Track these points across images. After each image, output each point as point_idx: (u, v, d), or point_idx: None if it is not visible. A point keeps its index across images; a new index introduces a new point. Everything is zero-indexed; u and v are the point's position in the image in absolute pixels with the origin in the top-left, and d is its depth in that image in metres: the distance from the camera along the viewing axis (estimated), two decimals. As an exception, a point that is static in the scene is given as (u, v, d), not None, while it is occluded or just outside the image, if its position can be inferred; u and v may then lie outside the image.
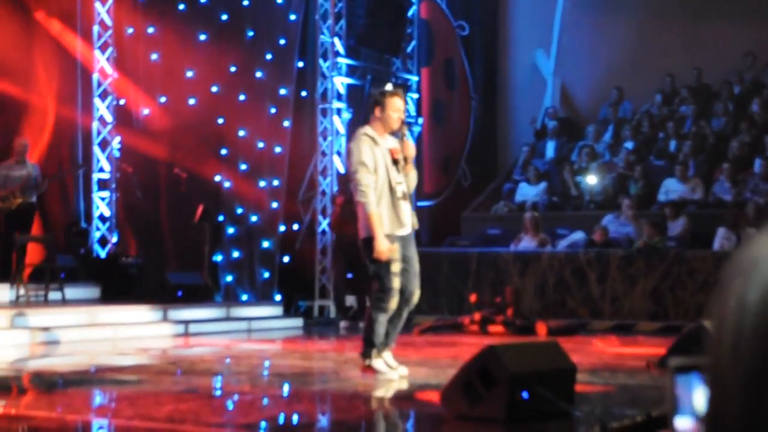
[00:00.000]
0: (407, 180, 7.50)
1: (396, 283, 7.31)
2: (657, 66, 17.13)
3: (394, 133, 7.55)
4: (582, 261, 13.23)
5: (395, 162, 7.42)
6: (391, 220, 7.33)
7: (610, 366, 8.37)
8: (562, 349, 5.90)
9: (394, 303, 7.34)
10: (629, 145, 16.37)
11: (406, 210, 7.44)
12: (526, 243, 14.09)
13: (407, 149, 7.47)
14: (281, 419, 6.09)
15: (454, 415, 5.52)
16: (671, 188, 14.92)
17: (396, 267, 7.31)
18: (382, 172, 7.34)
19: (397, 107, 7.45)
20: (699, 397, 1.13)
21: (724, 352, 0.87)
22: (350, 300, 14.16)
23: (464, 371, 5.51)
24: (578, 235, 14.17)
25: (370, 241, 7.31)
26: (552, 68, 18.28)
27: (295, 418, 6.10)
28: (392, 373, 7.35)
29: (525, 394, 5.30)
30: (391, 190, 7.36)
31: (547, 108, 18.01)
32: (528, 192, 16.13)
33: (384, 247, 7.20)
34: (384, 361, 7.43)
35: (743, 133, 15.61)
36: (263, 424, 5.91)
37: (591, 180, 15.78)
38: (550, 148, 17.29)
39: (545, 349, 5.91)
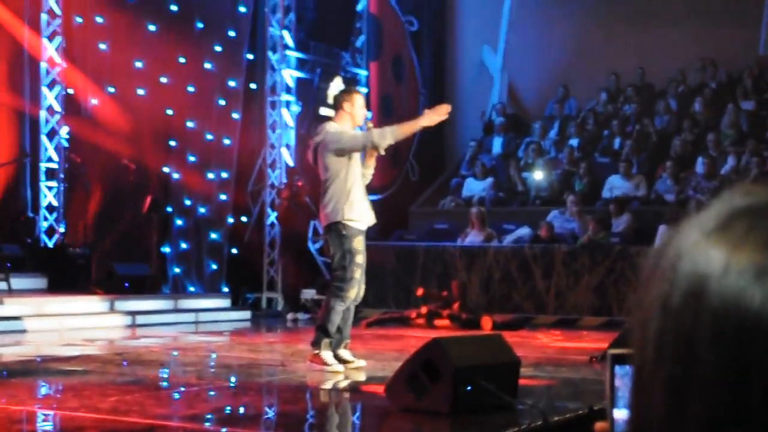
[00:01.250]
0: (367, 171, 7.68)
1: (359, 274, 7.45)
2: (602, 64, 17.36)
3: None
4: (527, 256, 13.40)
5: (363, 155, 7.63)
6: (361, 210, 7.48)
7: (554, 360, 8.51)
8: (507, 342, 6.01)
9: (353, 293, 7.46)
10: (574, 142, 16.59)
11: (368, 204, 7.63)
12: (473, 237, 14.23)
13: (441, 110, 7.64)
14: (227, 411, 6.14)
15: (399, 407, 5.60)
16: (615, 185, 15.15)
17: (360, 258, 7.45)
18: (354, 161, 7.48)
19: (361, 104, 7.68)
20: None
21: (647, 353, 0.84)
22: (308, 293, 14.19)
23: (409, 364, 5.59)
24: (524, 231, 14.33)
25: (337, 227, 7.42)
26: (499, 64, 18.45)
27: (241, 409, 6.15)
28: (338, 366, 7.43)
29: (469, 388, 5.40)
30: (362, 181, 7.54)
31: (494, 104, 18.16)
32: (475, 187, 16.28)
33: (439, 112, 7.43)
34: (335, 354, 7.52)
35: (686, 131, 15.89)
36: (209, 415, 5.96)
37: (537, 176, 15.96)
38: (497, 144, 17.45)
39: (490, 343, 6.01)
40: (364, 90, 16.57)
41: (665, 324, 0.84)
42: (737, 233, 0.84)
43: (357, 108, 7.63)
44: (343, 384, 7.05)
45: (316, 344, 7.49)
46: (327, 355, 7.45)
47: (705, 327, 0.82)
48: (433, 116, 7.53)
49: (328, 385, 7.04)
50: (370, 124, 7.75)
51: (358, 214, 7.46)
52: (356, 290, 7.49)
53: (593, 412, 5.54)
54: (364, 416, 6.18)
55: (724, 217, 0.86)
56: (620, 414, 1.21)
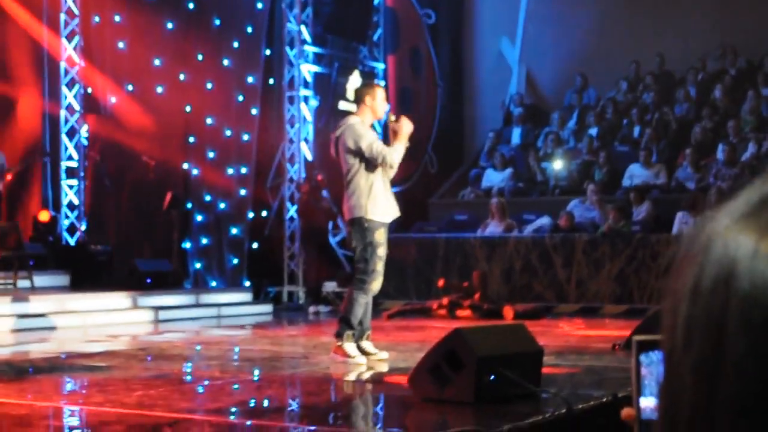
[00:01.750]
0: (395, 164, 7.66)
1: (380, 266, 7.48)
2: (621, 53, 17.30)
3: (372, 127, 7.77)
4: (548, 246, 13.38)
5: None
6: (385, 205, 7.50)
7: (577, 348, 8.51)
8: (529, 331, 6.01)
9: (376, 285, 7.50)
10: (593, 131, 16.55)
11: (393, 200, 7.65)
12: (493, 228, 14.22)
13: (405, 126, 7.60)
14: (251, 404, 6.18)
15: (422, 398, 5.62)
16: (635, 174, 15.10)
17: (382, 251, 7.48)
18: None
19: (383, 97, 7.70)
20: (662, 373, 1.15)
21: (677, 338, 0.84)
22: (329, 286, 14.24)
23: (432, 355, 5.60)
24: (544, 220, 14.31)
25: (360, 221, 7.46)
26: (517, 55, 18.41)
27: (265, 402, 6.18)
28: (361, 358, 7.45)
29: (492, 377, 5.40)
30: (383, 175, 7.54)
31: (513, 95, 18.14)
32: (494, 178, 16.26)
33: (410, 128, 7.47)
34: (359, 346, 7.54)
35: (706, 119, 15.82)
36: (233, 408, 5.99)
37: (557, 165, 15.94)
38: (515, 135, 17.43)
39: (512, 332, 6.02)
40: (382, 83, 16.60)
41: (695, 308, 0.84)
42: (766, 220, 0.84)
43: (378, 101, 7.64)
44: (367, 375, 7.07)
45: (339, 336, 7.52)
46: (350, 347, 7.48)
47: (734, 312, 0.82)
48: (406, 126, 7.54)
49: (351, 377, 7.07)
50: (392, 117, 7.76)
51: (382, 209, 7.49)
52: (379, 282, 7.52)
53: (617, 399, 5.54)
54: (387, 407, 6.19)
55: (754, 203, 0.86)
56: (646, 401, 1.21)
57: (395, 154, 7.46)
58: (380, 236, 7.47)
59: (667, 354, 0.87)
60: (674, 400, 0.86)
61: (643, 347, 1.18)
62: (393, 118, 7.75)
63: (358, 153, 7.47)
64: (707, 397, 0.83)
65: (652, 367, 1.17)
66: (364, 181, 7.48)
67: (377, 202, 7.47)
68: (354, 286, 7.57)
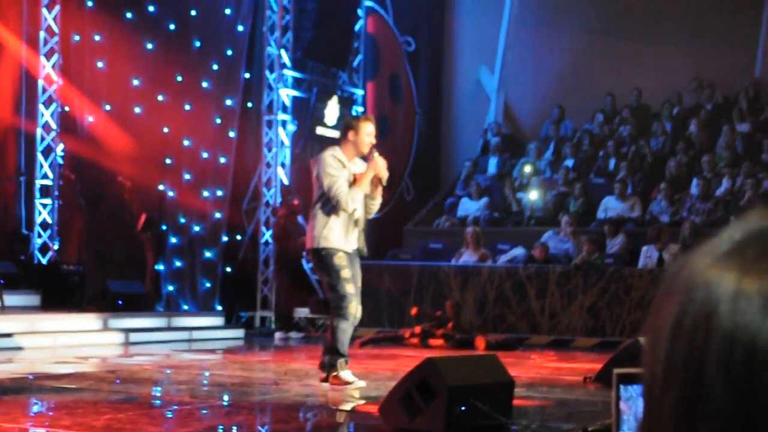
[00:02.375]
0: (373, 202, 7.64)
1: (350, 287, 7.43)
2: (598, 85, 17.42)
3: (363, 158, 7.69)
4: (522, 276, 13.40)
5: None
6: (337, 239, 7.45)
7: (548, 380, 8.51)
8: (501, 362, 6.01)
9: (353, 308, 7.44)
10: (569, 162, 16.63)
11: (355, 234, 7.58)
12: (467, 257, 14.23)
13: (382, 172, 7.56)
14: (220, 430, 6.13)
15: (393, 427, 5.60)
16: (610, 206, 15.17)
17: (346, 273, 7.42)
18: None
19: (368, 131, 7.60)
20: (640, 410, 1.15)
21: (657, 376, 0.84)
22: (301, 312, 14.20)
23: (404, 384, 5.59)
24: (518, 251, 14.35)
25: (317, 252, 7.45)
26: (496, 85, 18.50)
27: (234, 429, 6.14)
28: (360, 382, 7.42)
29: (463, 408, 5.39)
30: (349, 212, 7.49)
31: (490, 124, 18.21)
32: (470, 207, 16.30)
33: (375, 168, 7.42)
34: (341, 376, 7.50)
35: (681, 153, 15.93)
36: (203, 434, 5.95)
37: (532, 196, 15.99)
38: (492, 164, 17.48)
39: (484, 363, 6.01)
40: (360, 109, 16.64)
41: (676, 346, 0.84)
42: (749, 258, 0.84)
43: (362, 136, 7.55)
44: (337, 404, 7.03)
45: (331, 367, 7.46)
46: (345, 374, 7.46)
47: (715, 351, 0.82)
48: (378, 164, 7.52)
49: (321, 405, 7.03)
50: (375, 153, 7.66)
51: (336, 239, 7.44)
52: (354, 305, 7.45)
53: (587, 433, 5.53)
54: (357, 436, 6.16)
55: (737, 242, 0.86)
56: None
57: (352, 201, 7.39)
58: (340, 259, 7.44)
59: (647, 391, 0.86)
60: None
61: (622, 380, 1.18)
62: (376, 153, 7.65)
63: (318, 182, 7.48)
64: None
65: (630, 402, 1.17)
66: (321, 214, 7.46)
67: (331, 233, 7.42)
68: (332, 315, 7.52)
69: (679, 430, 0.83)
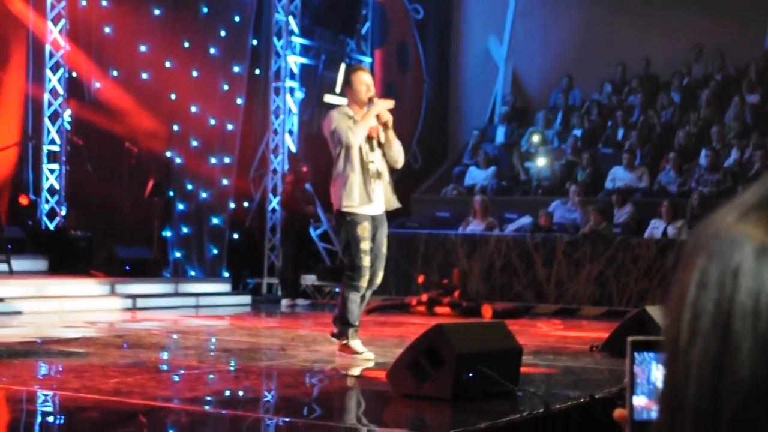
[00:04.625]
0: (390, 150, 7.51)
1: (366, 261, 7.36)
2: (608, 55, 17.33)
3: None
4: (529, 245, 13.39)
5: (370, 140, 7.48)
6: (361, 197, 7.37)
7: (554, 349, 8.51)
8: (509, 330, 6.01)
9: (364, 281, 7.38)
10: (578, 132, 16.58)
11: (378, 189, 7.48)
12: (474, 226, 14.23)
13: (383, 116, 7.49)
14: (228, 394, 6.15)
15: (400, 393, 5.60)
16: (618, 176, 15.14)
17: (365, 245, 7.37)
18: (353, 150, 7.40)
19: (362, 80, 7.52)
20: (656, 374, 1.16)
21: (683, 329, 0.86)
22: (308, 279, 14.20)
23: (411, 350, 5.59)
24: (526, 220, 14.33)
25: (341, 215, 7.39)
26: (504, 54, 18.42)
27: (241, 393, 6.16)
28: (369, 353, 7.35)
29: (471, 374, 5.39)
30: (363, 167, 7.41)
31: (498, 93, 18.15)
32: (477, 176, 16.27)
33: (374, 111, 7.31)
34: (351, 345, 7.43)
35: (690, 124, 15.87)
36: (210, 398, 5.97)
37: (540, 163, 15.96)
38: (500, 133, 17.44)
39: (492, 330, 6.01)
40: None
41: (703, 300, 0.86)
42: None
43: (356, 86, 7.48)
44: (345, 370, 7.05)
45: (342, 335, 7.41)
46: (355, 343, 7.38)
47: (740, 306, 0.84)
48: (384, 103, 7.46)
49: (329, 371, 7.05)
50: (375, 99, 7.62)
51: (359, 200, 7.38)
52: (367, 278, 7.39)
53: (594, 400, 5.54)
54: (364, 401, 6.17)
55: (762, 198, 0.88)
56: (639, 401, 1.21)
57: (354, 135, 7.28)
58: (363, 231, 7.37)
59: (672, 345, 0.88)
60: (677, 392, 0.87)
61: (636, 347, 1.18)
62: (376, 100, 7.60)
63: (333, 142, 7.43)
64: (712, 387, 0.84)
65: (644, 366, 1.18)
66: (339, 174, 7.39)
67: (352, 195, 7.35)
68: (344, 284, 7.47)
69: (703, 382, 0.84)
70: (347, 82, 7.62)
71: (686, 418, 0.85)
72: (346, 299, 7.41)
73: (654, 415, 1.13)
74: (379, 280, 7.56)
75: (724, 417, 0.83)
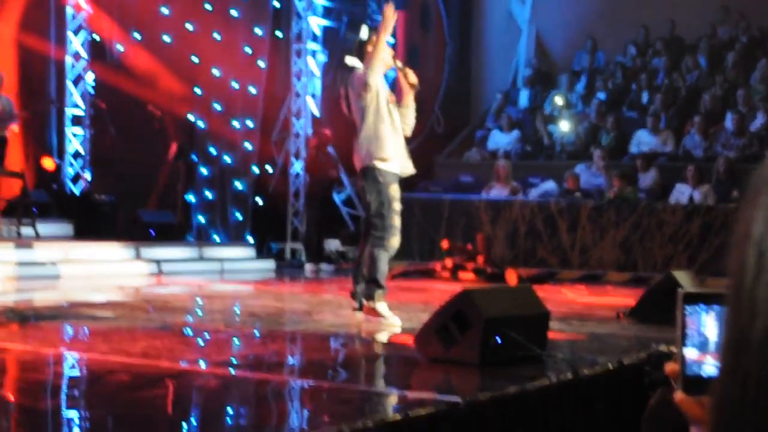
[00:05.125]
0: (408, 115, 7.48)
1: (397, 221, 7.32)
2: (631, 17, 17.17)
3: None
4: (553, 210, 13.33)
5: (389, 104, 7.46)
6: (394, 150, 7.30)
7: (580, 315, 8.49)
8: (536, 294, 5.99)
9: (395, 241, 7.33)
10: (602, 95, 16.45)
11: (404, 147, 7.46)
12: (498, 191, 14.17)
13: (409, 76, 7.46)
14: (255, 357, 6.16)
15: (427, 358, 5.61)
16: (643, 140, 15.04)
17: (397, 205, 7.33)
18: (383, 95, 7.35)
19: (385, 46, 7.48)
20: (707, 325, 1.15)
21: (748, 263, 0.86)
22: (332, 244, 14.18)
23: (439, 315, 5.58)
24: (549, 185, 14.27)
25: (372, 170, 7.29)
26: (527, 16, 18.26)
27: (269, 356, 6.17)
28: (394, 318, 7.27)
29: (498, 339, 5.39)
30: (392, 119, 7.35)
31: (521, 56, 18.03)
32: (500, 140, 16.20)
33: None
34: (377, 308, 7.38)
35: (715, 87, 15.72)
36: (238, 361, 5.99)
37: (564, 129, 15.86)
38: (523, 97, 17.34)
39: (519, 294, 6.00)
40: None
41: (767, 233, 0.86)
42: None
43: (380, 44, 7.42)
44: (371, 334, 7.05)
45: (369, 297, 7.33)
46: (382, 306, 7.31)
47: None
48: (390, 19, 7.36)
49: (354, 334, 7.05)
50: (399, 64, 7.60)
51: (392, 153, 7.30)
52: (397, 238, 7.35)
53: (623, 366, 5.52)
54: (391, 365, 6.19)
55: None
56: (690, 353, 1.20)
57: (371, 65, 7.21)
58: (394, 191, 7.32)
59: (736, 283, 0.88)
60: (743, 331, 0.86)
61: (687, 299, 1.18)
62: (400, 64, 7.59)
63: (367, 90, 7.29)
64: None
65: (694, 317, 1.18)
66: (370, 128, 7.30)
67: (385, 147, 7.26)
68: (373, 245, 7.33)
69: None
70: (369, 44, 7.51)
71: (752, 360, 0.84)
72: (376, 259, 7.29)
73: (705, 369, 1.13)
74: (396, 244, 7.48)
75: None
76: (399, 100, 7.56)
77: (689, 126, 15.00)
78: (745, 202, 0.90)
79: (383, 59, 7.33)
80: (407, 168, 7.53)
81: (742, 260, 0.87)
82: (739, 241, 0.89)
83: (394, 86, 8.08)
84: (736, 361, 0.86)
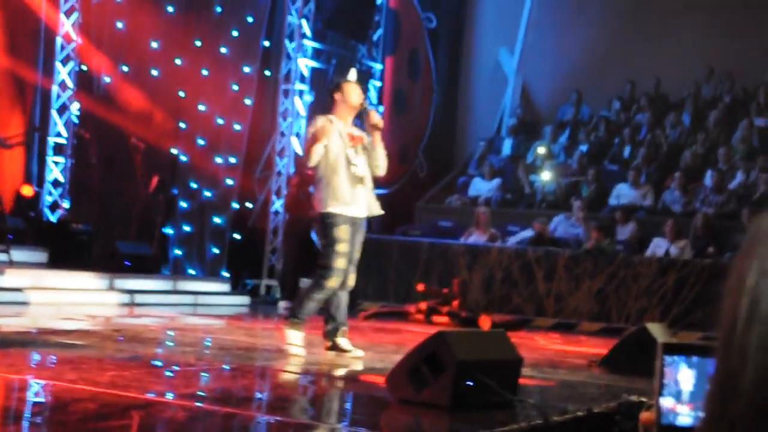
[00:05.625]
0: (374, 155, 7.61)
1: (340, 263, 7.48)
2: (618, 72, 17.33)
3: (357, 120, 7.72)
4: (530, 258, 13.36)
5: (355, 146, 7.56)
6: (344, 199, 7.47)
7: (552, 362, 8.48)
8: (509, 340, 5.98)
9: (334, 282, 7.50)
10: (584, 148, 16.56)
11: (361, 194, 7.58)
12: (477, 237, 14.20)
13: (374, 118, 7.58)
14: (224, 391, 6.11)
15: (398, 399, 5.57)
16: (623, 193, 15.12)
17: (343, 247, 7.46)
18: (336, 149, 7.48)
19: (354, 89, 7.69)
20: (684, 376, 1.16)
21: (741, 313, 0.87)
22: (307, 282, 14.15)
23: (412, 356, 5.55)
24: (529, 233, 14.31)
25: (320, 217, 7.50)
26: (515, 67, 18.41)
27: (237, 391, 6.12)
28: (295, 349, 7.54)
29: (470, 383, 5.36)
30: (347, 171, 7.52)
31: (507, 105, 18.14)
32: (482, 187, 16.25)
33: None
34: (335, 343, 7.65)
35: (697, 144, 15.85)
36: (206, 395, 5.94)
37: (545, 177, 15.94)
38: (506, 146, 17.42)
39: (493, 339, 5.99)
40: (378, 84, 16.57)
41: (762, 285, 0.87)
42: None
43: (348, 93, 7.62)
44: (342, 373, 7.02)
45: (290, 317, 7.70)
46: (290, 333, 7.61)
47: None
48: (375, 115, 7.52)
49: (326, 373, 7.01)
50: (366, 105, 7.68)
51: (342, 202, 7.46)
52: (338, 279, 7.50)
53: (593, 414, 5.50)
54: (362, 405, 6.15)
55: None
56: (666, 402, 1.20)
57: (312, 153, 7.39)
58: (342, 232, 7.46)
59: (728, 330, 0.89)
60: (732, 377, 0.87)
61: (666, 349, 1.18)
62: (366, 106, 7.67)
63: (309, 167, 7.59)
64: None
65: (672, 367, 1.18)
66: (322, 177, 7.51)
67: (337, 196, 7.45)
68: (313, 282, 7.65)
69: (762, 366, 0.85)
70: (337, 89, 7.71)
71: (741, 406, 0.84)
72: (310, 294, 7.58)
73: (680, 419, 1.13)
74: (352, 282, 7.71)
75: None
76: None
77: (669, 181, 15.10)
78: (741, 252, 0.92)
79: (316, 153, 7.45)
80: (372, 209, 7.67)
81: (734, 309, 0.88)
82: (731, 289, 0.90)
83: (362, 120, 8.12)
84: (723, 408, 0.87)
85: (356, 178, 7.55)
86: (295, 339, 7.59)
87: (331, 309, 7.71)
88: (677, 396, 1.15)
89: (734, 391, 0.86)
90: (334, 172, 7.47)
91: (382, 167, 7.70)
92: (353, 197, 7.52)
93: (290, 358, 7.57)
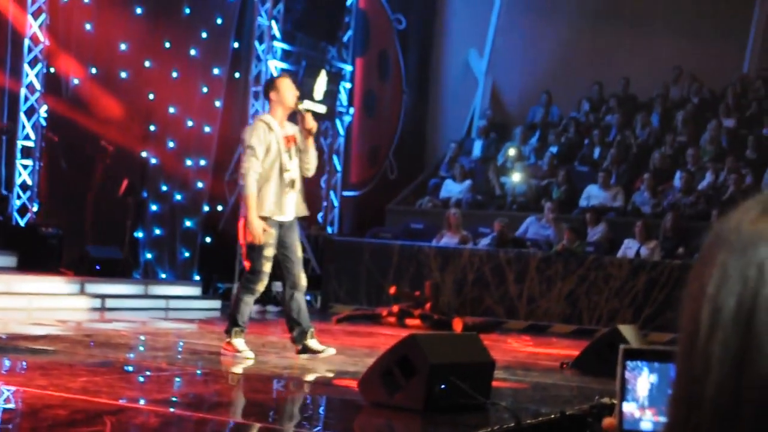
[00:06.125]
0: (306, 158, 7.64)
1: (266, 267, 7.53)
2: (587, 73, 17.41)
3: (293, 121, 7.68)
4: (502, 260, 13.39)
5: (289, 149, 7.58)
6: (274, 204, 7.50)
7: (524, 364, 8.51)
8: (482, 343, 5.99)
9: (261, 286, 7.59)
10: (554, 149, 16.62)
11: (291, 198, 7.63)
12: (448, 239, 14.21)
13: (308, 123, 7.55)
14: (197, 397, 6.09)
15: (371, 402, 5.57)
16: (593, 194, 15.19)
17: (269, 252, 7.49)
18: (272, 157, 7.49)
19: (288, 86, 7.65)
20: (646, 382, 1.16)
21: (702, 320, 0.86)
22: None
23: (384, 359, 5.56)
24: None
25: (246, 220, 7.50)
26: (484, 68, 18.46)
27: (210, 396, 6.10)
28: (249, 353, 7.55)
29: (443, 386, 5.37)
30: (280, 177, 7.51)
31: (476, 107, 18.19)
32: (453, 189, 16.27)
33: (256, 230, 7.39)
34: (306, 345, 7.62)
35: (666, 145, 15.95)
36: (178, 400, 5.91)
37: (516, 178, 15.99)
38: (477, 147, 17.46)
39: (466, 342, 6.00)
40: (348, 85, 16.56)
41: (725, 294, 0.86)
42: None
43: (283, 93, 7.58)
44: (314, 377, 7.01)
45: (228, 332, 7.67)
46: (238, 342, 7.61)
47: (765, 298, 0.84)
48: (259, 237, 7.48)
49: (298, 377, 7.00)
50: (302, 107, 7.63)
51: (271, 209, 7.48)
52: (265, 283, 7.57)
53: (565, 417, 5.52)
54: (334, 409, 6.14)
55: None
56: (629, 407, 1.20)
57: (252, 179, 7.39)
58: (267, 237, 7.45)
59: (690, 338, 0.87)
60: (695, 384, 0.86)
61: (628, 355, 1.18)
62: (302, 108, 7.60)
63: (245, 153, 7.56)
64: (733, 380, 0.84)
65: (635, 372, 1.18)
66: (255, 179, 7.46)
67: (266, 202, 7.45)
68: (241, 287, 7.70)
69: (724, 374, 0.84)
70: (271, 88, 7.70)
71: (704, 413, 0.84)
72: (240, 300, 7.62)
73: (643, 424, 1.13)
74: (303, 282, 7.77)
75: (744, 411, 0.82)
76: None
77: (639, 182, 15.18)
78: (700, 259, 0.90)
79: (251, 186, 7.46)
80: (299, 211, 7.71)
81: (695, 316, 0.87)
82: (693, 297, 0.89)
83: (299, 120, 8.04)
84: (687, 415, 0.87)
85: (288, 183, 7.57)
86: (243, 346, 7.60)
87: (292, 315, 7.72)
88: (639, 401, 1.16)
89: (698, 398, 0.86)
90: (266, 181, 7.48)
91: (312, 169, 7.79)
92: (281, 204, 7.54)
93: (259, 364, 7.55)
